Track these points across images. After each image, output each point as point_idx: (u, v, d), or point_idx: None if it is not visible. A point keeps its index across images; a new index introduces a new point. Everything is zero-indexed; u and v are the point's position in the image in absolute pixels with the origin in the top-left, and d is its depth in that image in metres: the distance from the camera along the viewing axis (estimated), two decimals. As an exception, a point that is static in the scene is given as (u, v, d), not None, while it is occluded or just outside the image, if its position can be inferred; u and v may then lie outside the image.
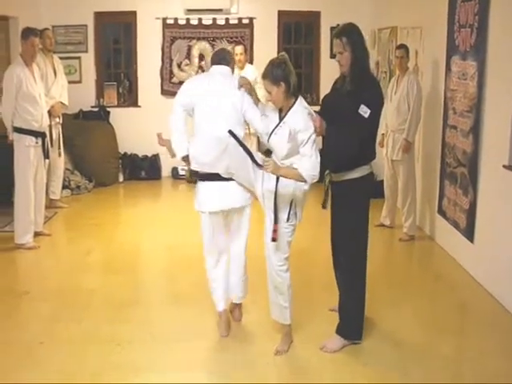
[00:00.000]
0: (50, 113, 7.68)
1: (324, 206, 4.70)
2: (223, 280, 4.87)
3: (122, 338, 4.81)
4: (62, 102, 8.40)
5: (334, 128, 4.48)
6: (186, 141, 4.73)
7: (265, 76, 4.29)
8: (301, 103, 4.35)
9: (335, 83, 4.78)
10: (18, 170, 6.87)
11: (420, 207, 7.64)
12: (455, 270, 6.33)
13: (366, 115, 4.28)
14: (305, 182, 4.27)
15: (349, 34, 4.48)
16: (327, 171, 4.63)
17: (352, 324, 4.66)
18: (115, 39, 11.31)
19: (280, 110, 4.39)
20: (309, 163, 4.22)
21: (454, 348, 4.80)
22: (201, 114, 4.63)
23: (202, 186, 4.71)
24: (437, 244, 7.15)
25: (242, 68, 9.08)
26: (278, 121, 4.36)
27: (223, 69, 4.76)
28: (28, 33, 6.91)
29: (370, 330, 4.85)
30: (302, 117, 4.25)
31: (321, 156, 4.36)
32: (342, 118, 4.40)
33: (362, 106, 4.29)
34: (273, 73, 4.26)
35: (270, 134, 4.38)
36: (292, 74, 4.29)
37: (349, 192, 4.54)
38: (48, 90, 7.95)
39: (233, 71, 4.88)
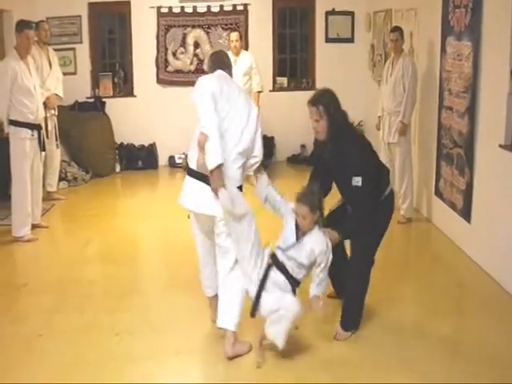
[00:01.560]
0: (45, 105, 7.67)
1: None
2: (210, 272, 4.81)
3: (121, 328, 4.82)
4: (57, 94, 8.39)
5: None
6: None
7: (304, 201, 4.26)
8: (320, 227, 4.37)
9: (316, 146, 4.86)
10: (14, 163, 6.86)
11: (417, 189, 7.63)
12: (453, 251, 6.33)
13: (360, 183, 4.35)
14: None
15: (325, 101, 4.47)
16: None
17: (353, 317, 4.71)
18: (110, 29, 11.25)
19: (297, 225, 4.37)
20: (321, 289, 4.34)
21: (453, 328, 4.81)
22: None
23: (187, 179, 4.60)
24: (434, 225, 7.15)
25: (237, 54, 9.04)
26: (295, 237, 4.33)
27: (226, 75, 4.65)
28: (22, 26, 6.88)
29: (368, 312, 4.86)
30: (321, 240, 4.28)
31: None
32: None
33: (353, 178, 4.35)
34: (314, 201, 4.28)
35: (288, 249, 4.32)
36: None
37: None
38: (43, 82, 7.94)
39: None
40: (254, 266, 4.30)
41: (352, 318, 4.70)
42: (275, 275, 4.29)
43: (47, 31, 8.45)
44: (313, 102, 4.49)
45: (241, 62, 9.02)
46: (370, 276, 4.65)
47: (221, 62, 4.72)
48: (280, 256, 4.31)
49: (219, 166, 4.16)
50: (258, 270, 4.30)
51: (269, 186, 4.64)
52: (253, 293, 4.30)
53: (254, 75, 9.16)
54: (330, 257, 4.29)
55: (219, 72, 4.55)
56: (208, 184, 4.29)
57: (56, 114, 8.43)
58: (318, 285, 4.29)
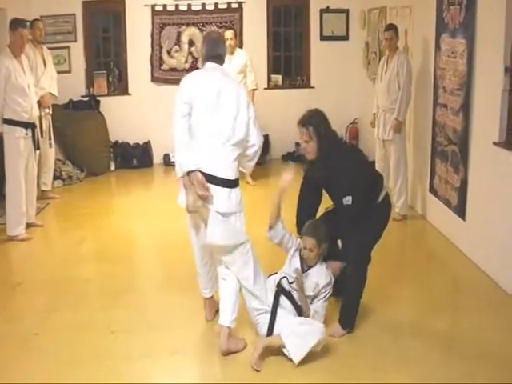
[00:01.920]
0: (39, 103, 7.64)
1: None
2: (207, 274, 4.84)
3: (116, 326, 4.82)
4: (51, 93, 8.37)
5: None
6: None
7: (311, 234, 4.51)
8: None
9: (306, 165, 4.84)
10: (8, 162, 6.84)
11: (411, 186, 7.64)
12: (447, 248, 6.34)
13: (350, 202, 4.41)
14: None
15: (315, 122, 4.58)
16: None
17: (350, 316, 4.71)
18: (104, 28, 11.23)
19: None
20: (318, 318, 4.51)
21: (449, 325, 4.82)
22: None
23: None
24: (429, 223, 7.17)
25: (232, 53, 9.03)
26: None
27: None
28: (16, 24, 6.86)
29: (364, 310, 4.86)
30: (325, 273, 4.58)
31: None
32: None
33: (344, 197, 4.41)
34: (320, 234, 4.51)
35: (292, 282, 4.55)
36: None
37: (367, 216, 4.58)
38: (37, 81, 7.92)
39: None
40: (261, 287, 4.48)
41: (351, 317, 4.72)
42: (283, 302, 4.50)
43: (42, 30, 8.41)
44: (303, 123, 4.58)
45: (235, 60, 9.01)
46: (367, 274, 4.68)
47: (211, 53, 4.69)
48: (286, 286, 4.52)
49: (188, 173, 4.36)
50: (264, 292, 4.48)
51: (283, 228, 4.71)
52: (264, 315, 4.45)
53: (248, 73, 9.15)
54: (331, 290, 4.59)
55: (207, 66, 4.64)
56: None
57: (50, 112, 8.42)
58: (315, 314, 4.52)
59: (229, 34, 9.06)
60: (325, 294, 4.55)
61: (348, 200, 4.40)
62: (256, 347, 4.27)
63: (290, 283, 4.52)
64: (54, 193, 8.74)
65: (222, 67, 4.67)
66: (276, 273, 4.68)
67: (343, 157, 4.61)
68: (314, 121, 4.59)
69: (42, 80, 8.15)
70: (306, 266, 4.57)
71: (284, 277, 4.56)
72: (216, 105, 4.42)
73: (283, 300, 4.49)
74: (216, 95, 4.44)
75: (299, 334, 4.22)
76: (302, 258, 4.59)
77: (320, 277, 4.52)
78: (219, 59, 4.67)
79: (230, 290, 4.45)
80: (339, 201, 4.48)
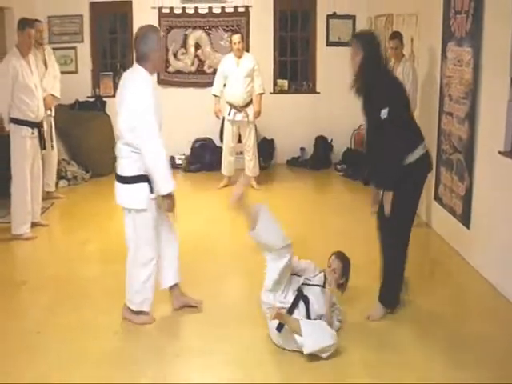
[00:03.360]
0: None
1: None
2: None
3: (119, 327, 4.86)
4: (53, 95, 8.29)
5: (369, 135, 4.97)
6: None
7: (341, 259, 4.98)
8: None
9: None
10: (14, 161, 6.87)
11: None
12: (451, 257, 6.35)
13: (387, 115, 4.51)
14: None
15: (365, 38, 4.80)
16: None
17: (389, 293, 4.93)
18: (111, 29, 11.28)
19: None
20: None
21: (451, 333, 4.80)
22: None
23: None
24: (433, 230, 7.17)
25: (239, 57, 9.05)
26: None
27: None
28: (24, 24, 6.90)
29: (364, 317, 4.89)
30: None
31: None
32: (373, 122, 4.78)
33: (381, 110, 4.53)
34: (347, 264, 4.99)
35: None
36: None
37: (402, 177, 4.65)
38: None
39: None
40: None
41: (390, 296, 4.92)
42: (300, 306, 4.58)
43: (42, 32, 8.34)
44: (354, 35, 5.01)
45: (243, 64, 9.03)
46: (405, 250, 4.90)
47: (136, 54, 4.76)
48: (306, 291, 4.66)
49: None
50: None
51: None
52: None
53: (255, 77, 9.17)
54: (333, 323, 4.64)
55: (138, 71, 4.70)
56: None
57: (53, 114, 8.37)
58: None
59: (236, 37, 9.08)
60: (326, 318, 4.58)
61: (385, 113, 4.50)
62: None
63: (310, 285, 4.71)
64: (58, 192, 8.76)
65: (139, 69, 4.67)
66: (300, 275, 4.81)
67: (383, 73, 4.83)
68: (365, 37, 4.87)
69: (43, 82, 8.10)
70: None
71: (306, 283, 4.72)
72: (118, 111, 4.69)
73: (300, 306, 4.56)
74: (118, 100, 4.73)
75: (318, 328, 4.32)
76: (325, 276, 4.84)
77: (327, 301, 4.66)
78: (143, 59, 4.66)
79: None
80: (377, 117, 4.57)
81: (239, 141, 9.39)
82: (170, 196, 4.63)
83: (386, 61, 4.93)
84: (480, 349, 4.51)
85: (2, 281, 5.77)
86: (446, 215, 6.66)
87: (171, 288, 5.13)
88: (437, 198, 7.02)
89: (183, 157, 10.61)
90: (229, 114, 9.12)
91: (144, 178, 4.58)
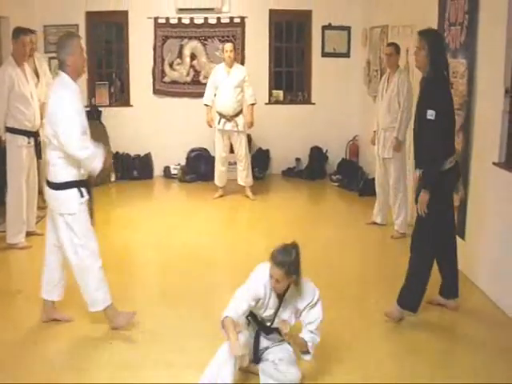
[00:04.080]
0: None
1: None
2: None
3: (114, 336, 4.85)
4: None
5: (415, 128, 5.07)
6: None
7: (279, 265, 3.97)
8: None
9: None
10: (10, 171, 6.87)
11: (411, 204, 7.65)
12: (446, 267, 6.35)
13: (433, 117, 4.67)
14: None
15: (431, 38, 4.90)
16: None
17: (409, 295, 5.00)
18: (107, 39, 11.32)
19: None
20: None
21: (446, 345, 4.82)
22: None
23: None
24: (428, 241, 7.17)
25: (230, 66, 9.09)
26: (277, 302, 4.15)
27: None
28: (19, 32, 6.91)
29: (361, 326, 4.89)
30: (305, 291, 4.15)
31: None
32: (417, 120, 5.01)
33: (428, 110, 4.69)
34: (291, 265, 3.97)
35: (274, 318, 4.20)
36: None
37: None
38: None
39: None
40: None
41: (410, 296, 4.97)
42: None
43: (35, 43, 8.24)
44: (421, 32, 4.98)
45: (233, 74, 9.07)
46: (431, 256, 5.01)
47: (58, 62, 4.76)
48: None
49: None
50: None
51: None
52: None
53: (246, 88, 9.19)
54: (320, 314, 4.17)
55: (61, 77, 4.71)
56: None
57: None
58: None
59: (228, 46, 9.11)
60: (314, 320, 4.14)
61: (431, 114, 4.67)
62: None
63: (267, 334, 4.31)
64: None
65: (61, 76, 4.70)
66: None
67: (442, 77, 4.96)
68: (431, 36, 4.93)
69: (37, 91, 8.10)
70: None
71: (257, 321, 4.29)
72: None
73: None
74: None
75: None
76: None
77: (298, 298, 4.15)
78: (63, 66, 4.69)
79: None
80: (423, 113, 4.74)
81: (232, 151, 9.41)
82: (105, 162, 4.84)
83: (447, 64, 5.04)
84: (473, 361, 4.52)
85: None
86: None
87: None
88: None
89: (178, 167, 10.63)
90: (218, 123, 9.15)
91: (73, 184, 4.73)
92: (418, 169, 5.01)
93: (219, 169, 9.37)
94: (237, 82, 9.05)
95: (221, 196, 9.30)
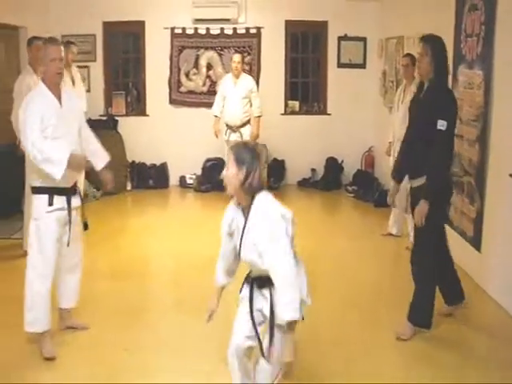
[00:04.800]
0: None
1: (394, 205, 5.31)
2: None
3: (129, 344, 4.86)
4: None
5: (413, 137, 4.93)
6: None
7: (232, 150, 3.62)
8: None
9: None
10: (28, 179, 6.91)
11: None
12: (462, 279, 6.26)
13: (444, 128, 4.57)
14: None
15: (436, 44, 4.82)
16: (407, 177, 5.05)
17: (420, 311, 4.91)
18: (124, 49, 11.39)
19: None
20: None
21: (459, 358, 4.75)
22: None
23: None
24: (443, 253, 7.13)
25: (237, 77, 9.13)
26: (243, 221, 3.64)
27: None
28: (32, 39, 7.01)
29: (373, 340, 4.87)
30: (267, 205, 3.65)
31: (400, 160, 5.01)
32: (419, 130, 4.81)
33: (438, 121, 4.57)
34: (244, 153, 3.56)
35: (240, 247, 3.64)
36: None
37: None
38: None
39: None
40: None
41: (420, 311, 4.88)
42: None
43: (74, 54, 8.62)
44: (424, 38, 4.86)
45: (241, 85, 9.11)
46: (433, 268, 4.89)
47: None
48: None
49: None
50: None
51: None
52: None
53: (253, 99, 9.20)
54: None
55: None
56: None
57: None
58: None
59: (236, 57, 9.16)
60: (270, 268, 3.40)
61: (442, 125, 4.55)
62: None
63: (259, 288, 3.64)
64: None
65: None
66: None
67: (447, 86, 4.93)
68: (434, 42, 4.83)
69: None
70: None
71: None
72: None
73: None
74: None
75: None
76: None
77: (260, 216, 3.54)
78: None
79: None
80: (431, 122, 4.59)
81: None
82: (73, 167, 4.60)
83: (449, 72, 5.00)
84: (486, 374, 4.46)
85: (13, 297, 5.74)
86: (457, 237, 6.63)
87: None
88: (447, 220, 6.99)
89: (194, 176, 10.66)
90: (225, 134, 9.18)
91: (42, 190, 4.65)
92: (411, 179, 4.96)
93: None
94: (243, 93, 9.09)
95: None
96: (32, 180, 4.73)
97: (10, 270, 6.60)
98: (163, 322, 5.35)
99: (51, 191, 4.64)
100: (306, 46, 11.29)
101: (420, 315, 4.95)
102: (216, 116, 9.30)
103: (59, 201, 4.69)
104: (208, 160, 10.70)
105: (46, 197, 4.64)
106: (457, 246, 6.66)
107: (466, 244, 6.38)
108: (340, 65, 10.98)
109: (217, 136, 9.35)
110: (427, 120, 4.68)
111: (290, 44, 11.08)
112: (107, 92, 10.96)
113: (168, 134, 10.72)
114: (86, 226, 5.02)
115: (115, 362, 4.57)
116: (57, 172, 4.43)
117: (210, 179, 10.48)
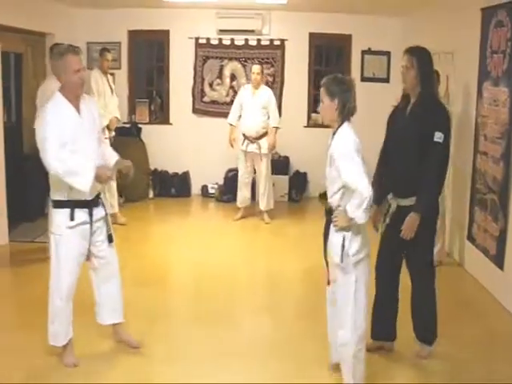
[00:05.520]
0: (107, 127, 8.27)
1: (377, 229, 4.88)
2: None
3: (151, 352, 4.91)
4: (116, 117, 8.84)
5: (402, 153, 4.72)
6: None
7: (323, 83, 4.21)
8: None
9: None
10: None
11: (449, 233, 7.59)
12: (484, 297, 6.28)
13: (441, 140, 4.46)
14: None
15: (420, 56, 4.68)
16: (391, 195, 4.81)
17: (430, 330, 4.87)
18: (148, 57, 11.47)
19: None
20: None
21: (482, 378, 4.71)
22: None
23: None
24: (466, 270, 7.11)
25: (256, 88, 9.12)
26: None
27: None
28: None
29: (394, 355, 4.85)
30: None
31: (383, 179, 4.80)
32: (413, 144, 4.59)
33: (436, 133, 4.46)
34: (333, 84, 4.20)
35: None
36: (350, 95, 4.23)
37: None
38: (106, 106, 8.47)
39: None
40: None
41: (432, 329, 4.85)
42: None
43: (109, 61, 8.85)
44: (409, 50, 4.72)
45: (259, 96, 9.10)
46: (433, 283, 4.81)
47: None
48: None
49: None
50: None
51: None
52: None
53: (271, 111, 9.17)
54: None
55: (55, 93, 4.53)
56: None
57: (114, 135, 8.86)
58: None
59: (256, 68, 9.17)
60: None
61: (440, 137, 4.44)
62: None
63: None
64: (121, 214, 8.90)
65: (56, 93, 4.53)
66: None
67: (437, 99, 4.84)
68: (420, 54, 4.69)
69: (110, 105, 8.63)
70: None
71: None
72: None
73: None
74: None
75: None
76: None
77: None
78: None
79: None
80: (426, 134, 4.47)
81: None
82: (100, 178, 4.50)
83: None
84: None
85: (38, 301, 5.77)
86: (479, 255, 6.61)
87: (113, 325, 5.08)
88: (470, 237, 6.97)
89: (216, 186, 10.69)
90: (242, 145, 9.19)
91: (63, 204, 4.50)
92: (399, 198, 4.72)
93: (242, 192, 9.44)
94: (261, 104, 9.09)
95: (243, 217, 9.39)
96: (52, 193, 4.57)
97: (35, 274, 6.66)
98: (183, 332, 5.38)
99: (73, 205, 4.49)
100: (330, 59, 11.32)
101: (431, 332, 4.90)
102: (231, 124, 9.31)
103: (81, 214, 4.54)
104: (230, 170, 10.71)
105: (67, 211, 4.48)
106: (479, 263, 6.67)
107: (488, 262, 6.35)
108: (363, 78, 10.97)
109: (232, 145, 9.35)
110: (421, 134, 4.51)
111: (314, 57, 11.09)
112: (131, 100, 11.02)
113: (191, 143, 10.77)
114: (110, 239, 4.85)
115: (136, 370, 4.62)
116: (85, 183, 4.31)
117: (231, 189, 10.47)
